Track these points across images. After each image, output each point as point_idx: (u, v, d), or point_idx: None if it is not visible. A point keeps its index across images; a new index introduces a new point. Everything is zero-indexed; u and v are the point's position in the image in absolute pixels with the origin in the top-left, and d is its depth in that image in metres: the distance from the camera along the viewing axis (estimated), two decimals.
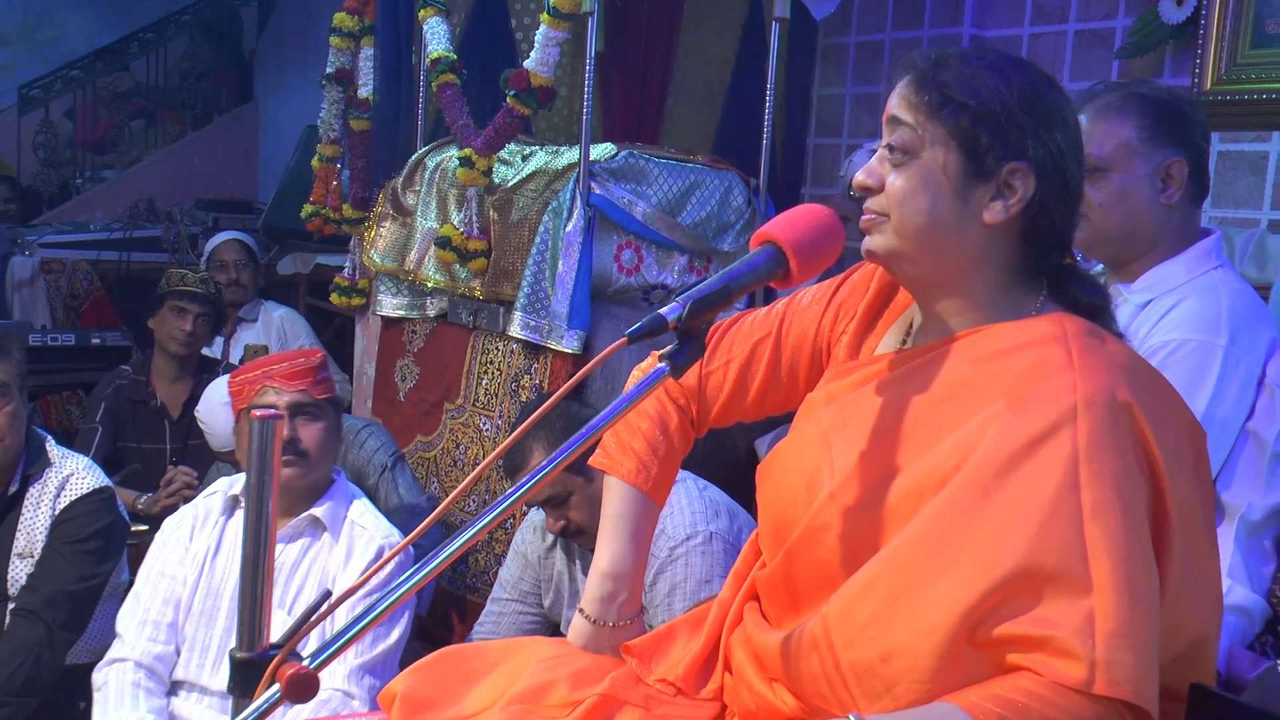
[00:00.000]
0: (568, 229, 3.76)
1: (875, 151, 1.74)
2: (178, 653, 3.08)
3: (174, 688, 3.10)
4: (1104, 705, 1.47)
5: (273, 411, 1.57)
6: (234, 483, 3.20)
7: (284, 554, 3.07)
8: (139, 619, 3.06)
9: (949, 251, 1.68)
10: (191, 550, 3.11)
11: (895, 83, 1.72)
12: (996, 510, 1.53)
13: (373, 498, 3.98)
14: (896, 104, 1.70)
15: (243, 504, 3.03)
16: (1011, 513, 1.53)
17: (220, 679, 3.03)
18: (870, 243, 1.72)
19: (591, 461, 2.03)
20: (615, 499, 2.01)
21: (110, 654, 3.07)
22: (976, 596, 1.50)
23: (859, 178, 1.73)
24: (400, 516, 3.90)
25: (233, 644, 2.64)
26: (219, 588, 3.09)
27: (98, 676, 3.05)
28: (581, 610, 2.02)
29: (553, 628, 3.37)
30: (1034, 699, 1.47)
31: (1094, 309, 1.73)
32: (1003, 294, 1.71)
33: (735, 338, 2.00)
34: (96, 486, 3.36)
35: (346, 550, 3.08)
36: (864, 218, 1.72)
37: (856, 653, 1.59)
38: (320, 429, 3.13)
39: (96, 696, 3.03)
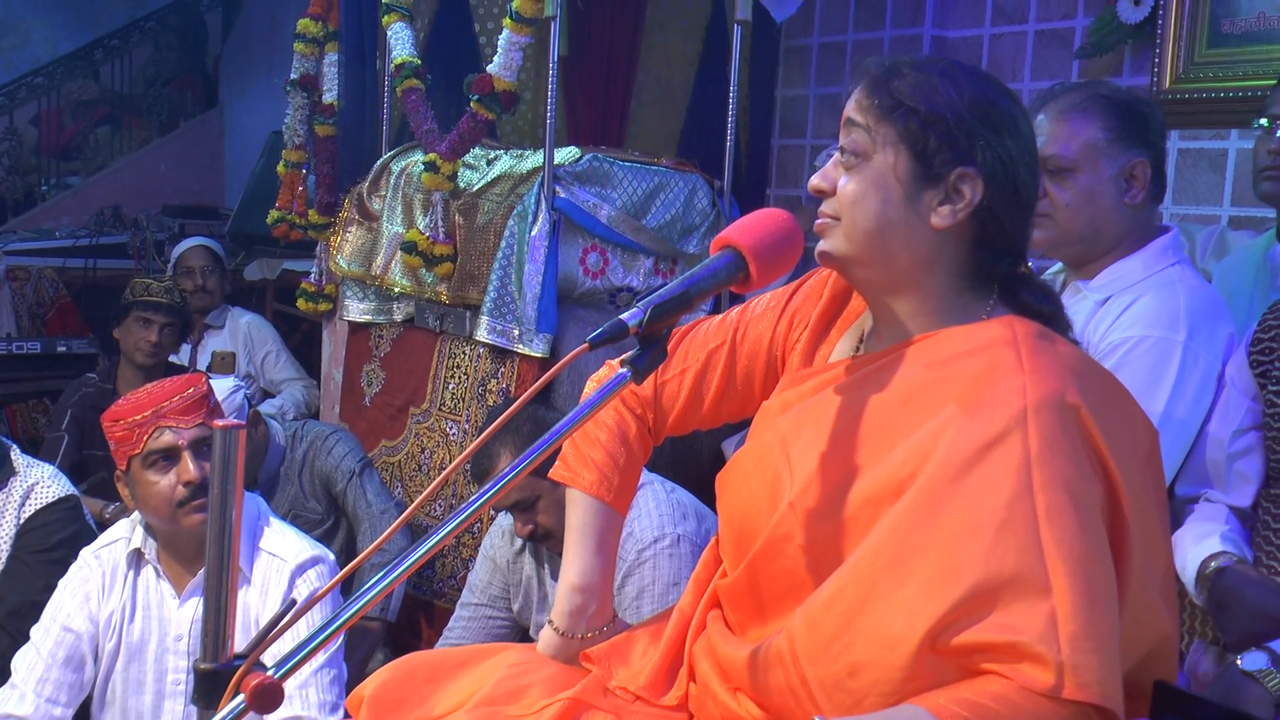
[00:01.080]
0: (533, 233, 3.76)
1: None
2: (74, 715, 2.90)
3: None
4: (1072, 709, 1.47)
5: (234, 421, 1.56)
6: (133, 530, 2.94)
7: (199, 609, 2.76)
8: (39, 675, 2.84)
9: (899, 254, 1.69)
10: (104, 612, 2.89)
11: (852, 89, 1.73)
12: (952, 518, 1.53)
13: (340, 504, 3.98)
14: (851, 108, 1.71)
15: (146, 559, 2.90)
16: (966, 520, 1.53)
17: None
18: (823, 245, 1.73)
19: (552, 474, 2.03)
20: (579, 512, 2.00)
21: (3, 705, 2.82)
22: (941, 611, 1.50)
23: (814, 181, 1.74)
24: (369, 522, 3.90)
25: (168, 704, 2.59)
26: (140, 653, 2.90)
27: None
28: (551, 622, 2.01)
29: (522, 632, 3.37)
30: (1001, 703, 1.47)
31: (1045, 316, 1.73)
32: (954, 298, 1.71)
33: (690, 346, 1.98)
34: (62, 495, 3.34)
35: (261, 588, 2.86)
36: (817, 221, 1.73)
37: (823, 668, 1.59)
38: None
39: None
